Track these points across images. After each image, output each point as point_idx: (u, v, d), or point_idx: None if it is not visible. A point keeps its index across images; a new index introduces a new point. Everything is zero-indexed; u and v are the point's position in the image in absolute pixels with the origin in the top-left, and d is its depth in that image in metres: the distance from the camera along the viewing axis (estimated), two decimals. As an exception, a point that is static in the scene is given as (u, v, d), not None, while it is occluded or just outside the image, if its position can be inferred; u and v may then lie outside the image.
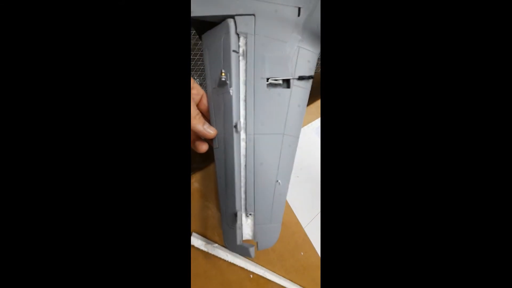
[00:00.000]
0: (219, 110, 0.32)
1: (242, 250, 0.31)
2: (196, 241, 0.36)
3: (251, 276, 0.37)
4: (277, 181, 0.31)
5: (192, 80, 0.32)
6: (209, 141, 0.34)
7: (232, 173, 0.31)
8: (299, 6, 0.30)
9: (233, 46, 0.31)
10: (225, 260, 0.37)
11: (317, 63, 0.33)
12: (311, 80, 0.32)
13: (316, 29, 0.31)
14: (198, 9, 0.31)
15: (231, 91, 0.31)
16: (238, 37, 0.31)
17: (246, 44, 0.31)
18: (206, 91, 0.34)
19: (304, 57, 0.31)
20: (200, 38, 0.35)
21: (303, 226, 0.37)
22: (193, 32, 0.49)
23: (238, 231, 0.31)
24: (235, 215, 0.31)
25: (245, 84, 0.31)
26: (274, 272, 0.38)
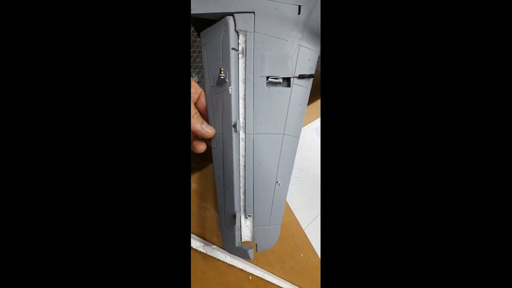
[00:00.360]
0: (218, 109, 0.32)
1: (241, 252, 0.31)
2: (195, 242, 0.36)
3: (250, 277, 0.37)
4: (277, 182, 0.31)
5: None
6: (207, 141, 0.34)
7: (231, 173, 0.31)
8: (300, 4, 0.30)
9: (232, 44, 0.30)
10: (223, 262, 0.36)
11: (318, 62, 0.33)
12: (311, 79, 0.31)
13: (316, 28, 0.31)
14: (197, 7, 0.30)
15: (230, 89, 0.30)
16: (238, 35, 0.31)
17: (245, 42, 0.31)
18: (204, 89, 0.34)
19: (304, 56, 0.31)
20: (199, 35, 0.35)
21: (303, 227, 0.37)
22: (191, 29, 0.48)
23: (236, 233, 0.30)
24: (234, 216, 0.31)
25: (245, 82, 0.31)
26: (274, 273, 0.37)
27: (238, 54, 0.31)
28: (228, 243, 0.32)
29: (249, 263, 0.37)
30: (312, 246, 0.37)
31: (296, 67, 0.30)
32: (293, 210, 0.36)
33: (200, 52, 0.35)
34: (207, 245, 0.36)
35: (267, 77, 0.30)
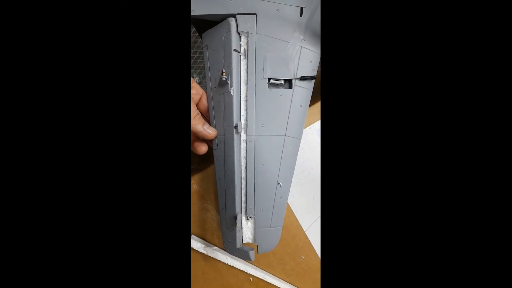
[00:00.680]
0: (219, 110, 0.32)
1: (242, 254, 0.31)
2: (195, 243, 0.36)
3: (251, 279, 0.37)
4: (278, 183, 0.30)
5: (191, 80, 0.31)
6: (209, 142, 0.34)
7: (232, 175, 0.31)
8: (301, 6, 0.30)
9: (234, 45, 0.30)
10: (224, 263, 0.36)
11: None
12: (313, 81, 0.31)
13: (318, 29, 0.31)
14: (199, 8, 0.30)
15: (231, 91, 0.30)
16: (240, 36, 0.31)
17: (247, 43, 0.31)
18: (205, 90, 0.34)
19: (306, 57, 0.31)
20: (201, 36, 0.35)
21: (304, 229, 0.36)
22: (192, 30, 0.48)
23: (237, 234, 0.30)
24: (235, 218, 0.31)
25: (246, 84, 0.31)
26: (274, 275, 0.37)
27: (240, 55, 0.31)
28: (229, 244, 0.32)
29: (250, 264, 0.37)
30: (313, 248, 0.37)
31: (298, 68, 0.30)
32: (294, 211, 0.36)
33: (201, 53, 0.35)
34: (207, 246, 0.36)
35: (269, 79, 0.30)
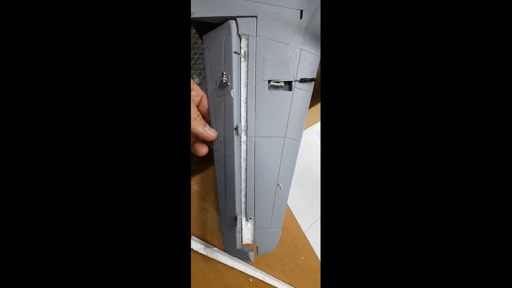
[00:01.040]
0: (220, 112, 0.32)
1: (242, 254, 0.31)
2: (195, 244, 0.36)
3: (251, 280, 0.37)
4: (278, 185, 0.31)
5: (191, 81, 0.32)
6: (209, 143, 0.34)
7: (232, 176, 0.31)
8: (301, 8, 0.30)
9: (234, 48, 0.30)
10: (224, 264, 0.36)
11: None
12: (313, 83, 0.32)
13: (318, 32, 0.31)
14: (199, 10, 0.30)
15: (232, 93, 0.30)
16: (240, 39, 0.31)
17: (247, 45, 0.31)
18: (205, 91, 0.34)
19: (306, 60, 0.31)
20: (201, 39, 0.35)
21: (304, 230, 0.37)
22: (193, 31, 0.48)
23: (237, 235, 0.31)
24: (235, 219, 0.31)
25: (246, 86, 0.31)
26: (274, 276, 0.37)
27: (240, 57, 0.31)
28: (229, 245, 0.32)
29: (250, 265, 0.37)
30: (313, 249, 0.37)
31: (298, 71, 0.31)
32: (294, 212, 0.36)
33: (201, 53, 0.35)
34: (207, 247, 0.36)
35: (269, 81, 0.31)
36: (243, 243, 0.31)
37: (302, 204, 0.37)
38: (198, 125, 0.31)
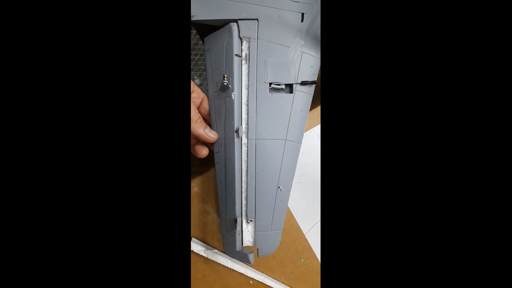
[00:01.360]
0: (220, 114, 0.32)
1: (242, 256, 0.31)
2: (196, 246, 0.36)
3: (251, 282, 0.37)
4: (279, 187, 0.31)
5: (192, 83, 0.32)
6: (210, 145, 0.34)
7: (232, 178, 0.31)
8: (303, 12, 0.30)
9: (235, 50, 0.31)
10: (224, 266, 0.36)
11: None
12: (314, 86, 0.32)
13: (319, 35, 0.31)
14: (201, 13, 0.30)
15: (233, 95, 0.30)
16: (241, 41, 0.31)
17: (249, 48, 0.31)
18: (206, 93, 0.34)
19: (307, 62, 0.31)
20: (203, 41, 0.35)
21: (304, 232, 0.37)
22: (193, 32, 0.49)
23: (237, 237, 0.31)
24: (235, 221, 0.31)
25: (247, 88, 0.31)
26: (274, 278, 0.37)
27: (241, 60, 0.31)
28: (229, 246, 0.32)
29: (250, 267, 0.37)
30: (313, 251, 0.37)
31: (299, 73, 0.31)
32: (294, 214, 0.36)
33: (202, 55, 0.35)
34: (208, 249, 0.36)
35: (270, 83, 0.31)
36: (244, 245, 0.31)
37: (302, 206, 0.37)
38: (198, 127, 0.31)
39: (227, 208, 0.32)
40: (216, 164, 0.33)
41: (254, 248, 0.31)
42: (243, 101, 0.31)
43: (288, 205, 0.34)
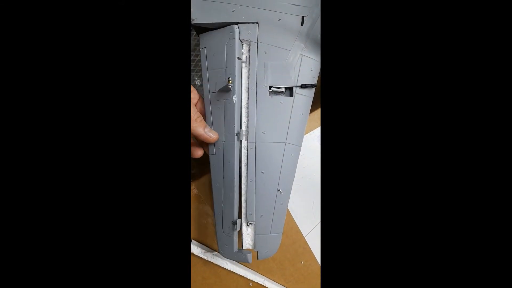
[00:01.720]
0: (219, 116, 0.32)
1: (240, 256, 0.31)
2: (195, 248, 0.36)
3: (251, 284, 0.37)
4: (279, 190, 0.31)
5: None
6: (205, 147, 0.33)
7: (232, 181, 0.31)
8: (303, 15, 0.30)
9: (237, 53, 0.31)
10: (224, 268, 0.36)
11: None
12: (314, 89, 0.32)
13: (319, 38, 0.31)
14: (201, 17, 0.30)
15: (234, 98, 0.30)
16: (241, 44, 0.31)
17: (249, 51, 0.31)
18: (200, 92, 0.33)
19: (307, 65, 0.31)
20: (198, 36, 0.34)
21: (304, 235, 0.37)
22: (193, 33, 0.48)
23: (234, 238, 0.31)
24: (234, 223, 0.31)
25: (247, 91, 0.31)
26: (274, 280, 0.37)
27: (242, 63, 0.31)
28: (225, 248, 0.32)
29: (250, 270, 0.37)
30: (313, 254, 0.37)
31: (299, 76, 0.31)
32: (294, 217, 0.36)
33: (198, 54, 0.34)
34: (208, 251, 0.37)
35: (270, 86, 0.31)
36: (244, 248, 0.31)
37: (302, 208, 0.37)
38: (198, 127, 0.30)
39: (224, 211, 0.32)
40: (212, 166, 0.32)
41: (254, 251, 0.31)
42: (243, 104, 0.31)
43: (288, 207, 0.34)
